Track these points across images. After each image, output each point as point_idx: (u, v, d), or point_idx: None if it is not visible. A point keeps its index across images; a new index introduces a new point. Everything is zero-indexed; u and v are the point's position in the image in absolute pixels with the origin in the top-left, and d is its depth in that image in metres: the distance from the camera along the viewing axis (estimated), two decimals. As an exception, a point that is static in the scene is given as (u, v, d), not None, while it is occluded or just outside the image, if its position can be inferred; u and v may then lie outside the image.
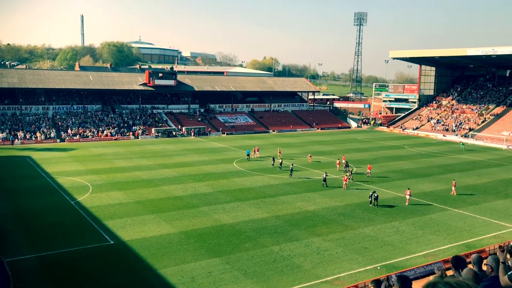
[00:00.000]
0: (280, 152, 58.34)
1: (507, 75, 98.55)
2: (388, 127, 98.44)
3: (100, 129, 75.63)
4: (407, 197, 37.36)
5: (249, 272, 23.53)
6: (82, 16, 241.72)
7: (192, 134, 79.60)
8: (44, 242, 27.00)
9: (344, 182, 42.53)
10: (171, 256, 25.21)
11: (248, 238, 28.44)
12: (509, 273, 4.98)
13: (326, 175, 44.13)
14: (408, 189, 38.43)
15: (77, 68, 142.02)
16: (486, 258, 6.53)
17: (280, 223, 31.55)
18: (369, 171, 48.30)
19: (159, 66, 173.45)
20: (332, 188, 42.16)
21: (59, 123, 75.08)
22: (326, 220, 32.64)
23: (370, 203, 36.65)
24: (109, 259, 25.05)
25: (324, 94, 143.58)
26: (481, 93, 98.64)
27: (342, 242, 28.13)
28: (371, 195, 36.96)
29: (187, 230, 29.73)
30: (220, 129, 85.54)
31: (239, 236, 28.77)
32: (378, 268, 24.33)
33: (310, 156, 57.01)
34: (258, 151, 59.04)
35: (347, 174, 45.24)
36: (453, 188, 41.07)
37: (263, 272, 23.54)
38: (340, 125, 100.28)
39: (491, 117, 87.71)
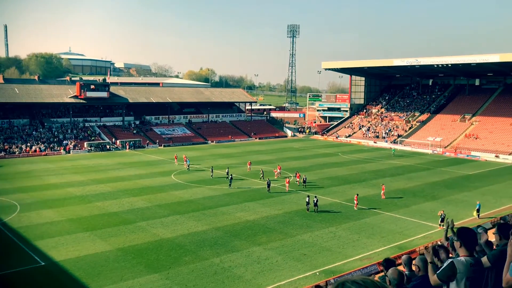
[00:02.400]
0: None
1: (430, 84, 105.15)
2: (322, 135, 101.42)
3: (28, 144, 71.62)
4: (355, 202, 39.18)
5: (189, 286, 23.18)
6: (6, 26, 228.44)
7: (127, 147, 77.45)
8: (-34, 268, 25.02)
9: (286, 185, 45.48)
10: (108, 275, 24.28)
11: (188, 252, 28.04)
12: (437, 271, 5.29)
13: (269, 181, 45.59)
14: (357, 194, 40.54)
15: (0, 80, 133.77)
16: (415, 258, 6.90)
17: (220, 235, 31.42)
18: (298, 179, 48.63)
19: (91, 78, 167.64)
20: (271, 197, 42.65)
21: (-18, 139, 70.24)
22: (266, 229, 32.93)
23: (308, 209, 37.49)
24: (39, 281, 23.66)
25: (261, 104, 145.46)
26: (408, 101, 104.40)
27: (282, 250, 28.48)
28: (308, 201, 37.86)
29: (124, 246, 28.79)
30: (157, 141, 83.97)
31: (179, 250, 28.29)
32: (317, 274, 24.86)
33: (250, 164, 57.47)
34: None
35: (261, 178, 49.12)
36: (382, 192, 43.17)
37: (204, 285, 23.29)
38: (277, 134, 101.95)
39: (417, 124, 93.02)
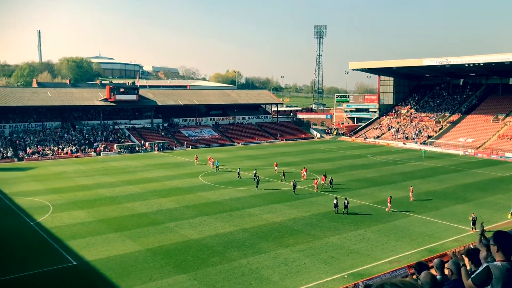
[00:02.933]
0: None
1: (461, 83, 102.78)
2: (350, 136, 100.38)
3: (60, 146, 73.52)
4: (389, 204, 38.33)
5: (217, 287, 23.28)
6: (39, 32, 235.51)
7: (156, 149, 78.58)
8: (3, 265, 25.85)
9: (315, 185, 45.65)
10: (137, 275, 24.64)
11: (216, 253, 28.19)
12: (472, 276, 5.14)
13: (295, 182, 45.35)
14: (390, 196, 39.87)
15: (34, 84, 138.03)
16: (447, 262, 6.72)
17: (247, 236, 31.46)
18: (323, 182, 47.92)
19: (120, 81, 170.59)
20: (298, 199, 42.47)
21: (17, 141, 72.49)
22: (293, 230, 32.79)
23: (336, 211, 37.14)
24: (72, 280, 24.23)
25: (287, 106, 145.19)
26: (438, 101, 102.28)
27: (309, 252, 28.30)
28: (336, 203, 37.48)
29: (153, 247, 29.18)
30: (185, 143, 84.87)
31: (206, 251, 28.47)
32: (345, 276, 24.59)
33: (276, 165, 57.48)
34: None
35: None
36: (410, 194, 42.40)
37: (231, 286, 23.35)
38: (303, 136, 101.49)
39: (448, 124, 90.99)
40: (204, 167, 60.33)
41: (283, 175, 51.43)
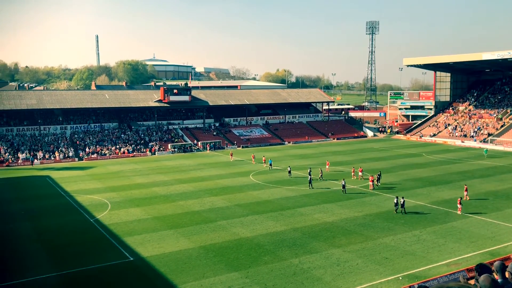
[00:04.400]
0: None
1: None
2: (405, 135, 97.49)
3: (117, 146, 76.47)
4: (459, 206, 36.56)
5: (269, 285, 23.33)
6: (97, 36, 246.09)
7: (208, 148, 79.94)
8: (64, 260, 27.23)
9: (370, 183, 45.88)
10: (190, 272, 25.16)
11: (267, 252, 28.26)
12: None
13: (344, 182, 44.70)
14: (461, 197, 38.14)
15: (93, 87, 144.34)
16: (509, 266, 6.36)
17: (298, 235, 31.31)
18: (371, 182, 46.44)
19: (174, 83, 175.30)
20: (351, 199, 41.77)
21: (77, 142, 76.16)
22: (346, 231, 32.28)
23: (396, 210, 36.57)
24: (129, 276, 25.12)
25: (338, 104, 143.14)
26: (499, 97, 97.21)
27: (362, 253, 27.75)
28: (396, 202, 36.65)
29: (206, 244, 29.69)
30: (235, 142, 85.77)
31: (258, 250, 28.61)
32: (400, 278, 23.90)
33: (328, 164, 57.01)
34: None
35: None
36: (465, 193, 40.64)
37: (283, 285, 23.32)
38: (356, 135, 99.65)
39: (510, 121, 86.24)
40: (255, 166, 60.65)
41: (321, 174, 50.88)
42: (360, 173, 51.00)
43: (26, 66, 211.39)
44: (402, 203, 36.43)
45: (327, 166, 56.37)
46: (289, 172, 53.03)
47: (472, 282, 6.71)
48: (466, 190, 41.01)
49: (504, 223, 33.70)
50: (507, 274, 6.24)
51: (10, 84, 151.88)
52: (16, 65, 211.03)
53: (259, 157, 64.57)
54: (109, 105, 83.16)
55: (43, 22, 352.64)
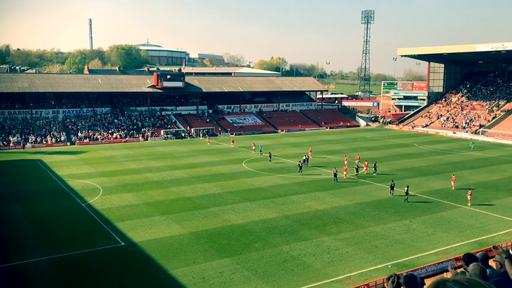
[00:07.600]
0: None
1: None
2: (397, 125, 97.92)
3: (110, 131, 76.12)
4: (469, 197, 36.66)
5: (259, 272, 23.55)
6: (90, 20, 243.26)
7: (201, 135, 79.82)
8: (56, 244, 27.26)
9: (365, 168, 48.07)
10: (182, 257, 25.31)
11: (258, 238, 28.46)
12: None
13: (336, 171, 44.98)
14: (470, 189, 38.54)
15: (86, 71, 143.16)
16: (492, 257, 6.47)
17: (290, 223, 31.54)
18: (366, 168, 48.91)
19: (167, 68, 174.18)
20: (342, 187, 42.05)
21: (69, 126, 75.68)
22: (336, 219, 32.56)
23: (392, 194, 38.71)
24: (120, 260, 25.22)
25: (332, 93, 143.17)
26: (491, 89, 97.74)
27: (352, 241, 28.04)
28: (392, 185, 38.90)
29: (197, 230, 29.83)
30: (229, 129, 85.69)
31: (249, 236, 28.80)
32: (389, 266, 24.22)
33: (311, 151, 59.13)
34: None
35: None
36: (452, 183, 41.53)
37: (273, 272, 23.55)
38: (349, 124, 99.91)
39: (502, 113, 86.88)
40: (249, 154, 60.73)
41: (306, 159, 52.63)
42: (357, 161, 51.08)
43: (18, 49, 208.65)
44: (406, 190, 37.27)
45: (309, 153, 57.07)
46: (270, 157, 55.04)
47: (459, 270, 6.83)
48: (454, 180, 41.60)
49: (492, 213, 34.14)
50: (495, 264, 6.35)
51: (1, 66, 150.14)
52: (7, 47, 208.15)
53: (248, 144, 64.63)
54: (101, 90, 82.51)
55: (36, 3, 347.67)
